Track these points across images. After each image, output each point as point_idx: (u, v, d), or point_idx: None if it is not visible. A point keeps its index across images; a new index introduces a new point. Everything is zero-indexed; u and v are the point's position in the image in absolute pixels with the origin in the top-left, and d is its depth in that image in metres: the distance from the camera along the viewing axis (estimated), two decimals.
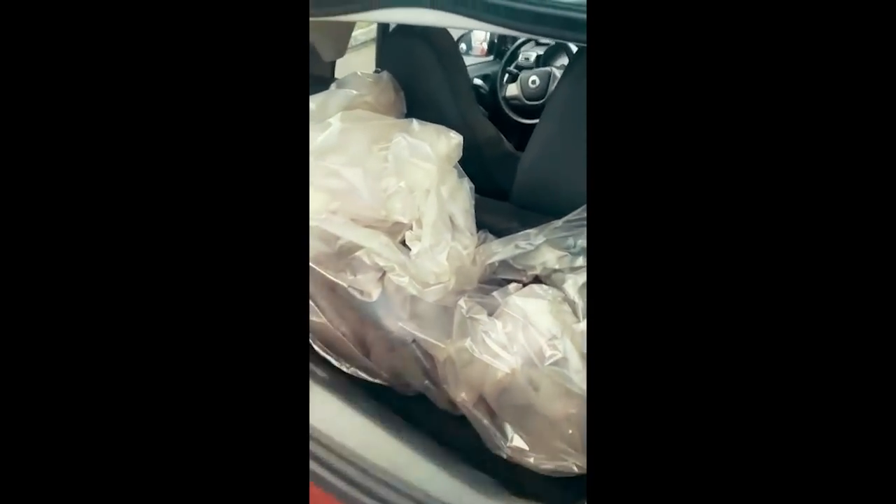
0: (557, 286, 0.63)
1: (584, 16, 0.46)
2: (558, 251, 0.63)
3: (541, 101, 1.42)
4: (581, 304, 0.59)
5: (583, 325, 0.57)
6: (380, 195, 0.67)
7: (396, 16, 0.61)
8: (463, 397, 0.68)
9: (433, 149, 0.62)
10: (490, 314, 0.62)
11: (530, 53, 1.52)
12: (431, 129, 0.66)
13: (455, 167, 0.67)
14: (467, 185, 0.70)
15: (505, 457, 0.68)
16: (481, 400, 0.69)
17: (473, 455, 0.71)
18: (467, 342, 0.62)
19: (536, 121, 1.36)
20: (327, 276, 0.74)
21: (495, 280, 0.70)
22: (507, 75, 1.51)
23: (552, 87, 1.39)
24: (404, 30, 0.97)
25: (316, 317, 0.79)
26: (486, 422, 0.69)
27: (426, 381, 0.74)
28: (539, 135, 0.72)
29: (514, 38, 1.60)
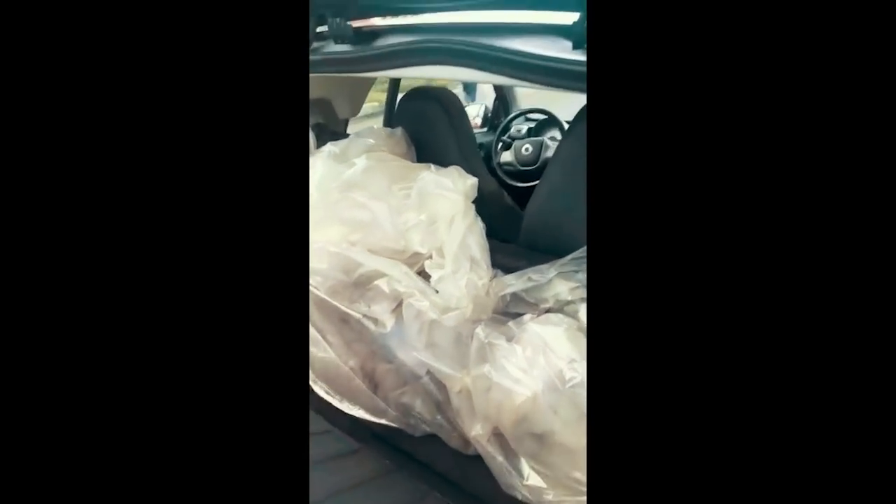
0: (571, 316, 0.66)
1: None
2: (570, 283, 0.67)
3: (534, 167, 1.56)
4: None
5: None
6: (400, 228, 0.72)
7: (423, 72, 0.70)
8: (478, 432, 0.67)
9: (454, 184, 0.68)
10: (508, 341, 0.64)
11: (521, 126, 1.71)
12: (450, 169, 0.73)
13: (471, 206, 0.72)
14: (481, 223, 0.75)
15: (520, 497, 0.65)
16: (496, 435, 0.68)
17: (487, 498, 0.67)
18: (486, 368, 0.63)
19: (529, 184, 1.48)
20: (341, 307, 0.75)
21: (508, 313, 0.72)
22: (501, 143, 1.67)
23: (544, 154, 1.54)
24: (419, 93, 1.09)
25: (323, 352, 0.78)
26: (500, 459, 0.67)
27: (438, 417, 0.72)
28: (546, 182, 0.80)
29: (507, 112, 1.79)
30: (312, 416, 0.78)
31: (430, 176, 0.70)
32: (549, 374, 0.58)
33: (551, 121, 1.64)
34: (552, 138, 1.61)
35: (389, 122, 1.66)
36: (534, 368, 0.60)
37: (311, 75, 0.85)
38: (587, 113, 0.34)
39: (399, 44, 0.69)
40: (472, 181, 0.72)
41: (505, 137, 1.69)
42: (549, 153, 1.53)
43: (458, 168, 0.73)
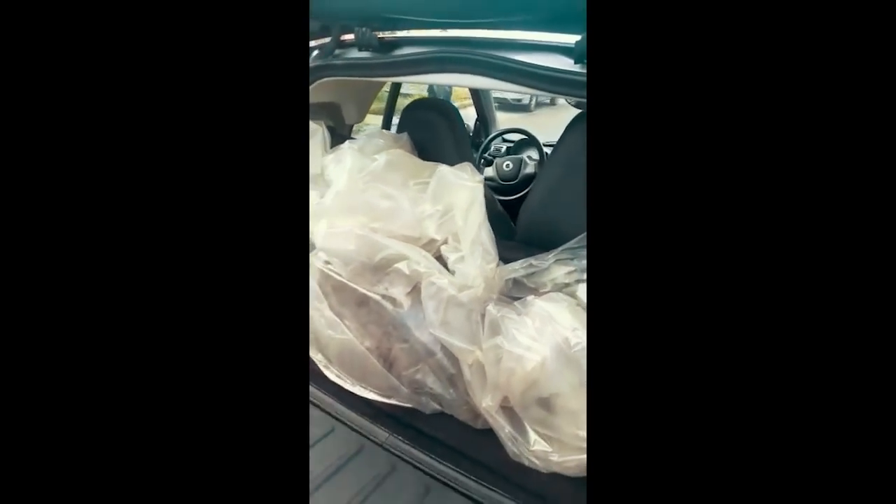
0: (570, 296, 0.75)
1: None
2: (567, 268, 0.77)
3: (514, 182, 1.68)
4: None
5: None
6: (418, 217, 0.79)
7: (442, 79, 0.79)
8: (488, 403, 0.73)
9: (470, 176, 0.77)
10: (517, 315, 0.71)
11: (500, 146, 1.85)
12: (463, 165, 0.81)
13: (484, 198, 0.81)
14: (487, 219, 0.84)
15: (527, 463, 0.72)
16: (504, 408, 0.74)
17: (496, 467, 0.73)
18: (498, 339, 0.70)
19: (510, 197, 1.59)
20: (359, 290, 0.80)
21: (511, 296, 0.80)
22: (482, 161, 1.80)
23: (523, 170, 1.67)
24: (421, 103, 1.19)
25: (340, 334, 0.82)
26: (508, 429, 0.73)
27: (450, 391, 0.77)
28: (543, 180, 0.90)
29: (487, 132, 1.94)
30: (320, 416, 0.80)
31: (447, 169, 0.78)
32: (556, 341, 0.66)
33: (529, 140, 1.79)
34: (530, 157, 1.75)
35: (387, 126, 1.75)
36: (542, 337, 0.68)
37: (324, 80, 0.92)
38: (587, 112, 0.38)
39: (420, 53, 0.79)
40: (482, 178, 0.81)
41: (486, 155, 1.83)
42: (528, 169, 1.66)
43: (470, 164, 0.82)
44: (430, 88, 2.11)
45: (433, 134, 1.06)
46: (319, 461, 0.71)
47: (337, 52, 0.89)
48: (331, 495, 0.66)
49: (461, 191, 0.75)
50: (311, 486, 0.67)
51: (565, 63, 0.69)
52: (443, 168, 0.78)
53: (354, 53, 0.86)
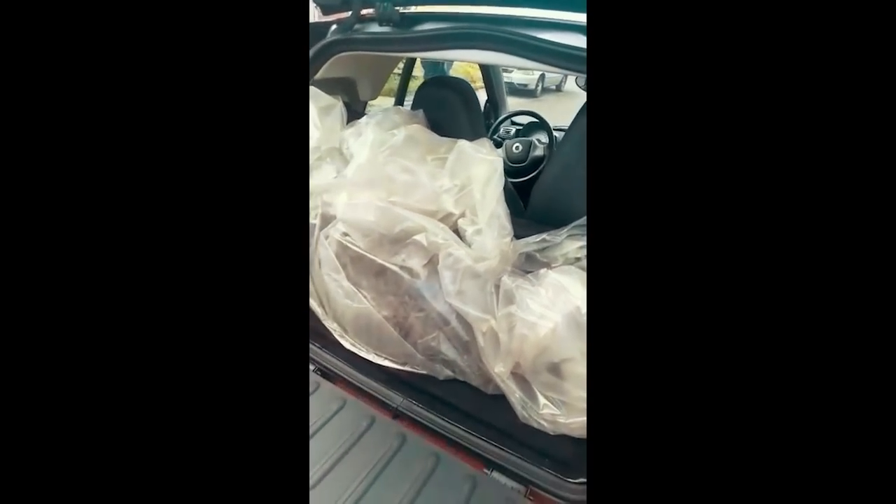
0: (582, 268, 0.78)
1: None
2: (578, 242, 0.80)
3: (523, 164, 1.70)
4: None
5: None
6: (436, 190, 0.81)
7: (455, 55, 0.80)
8: (500, 369, 0.76)
9: (489, 150, 0.79)
10: (531, 286, 0.74)
11: (510, 128, 1.86)
12: (481, 140, 0.83)
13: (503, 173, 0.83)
14: (503, 195, 0.86)
15: (535, 425, 0.76)
16: (515, 374, 0.78)
17: (506, 430, 0.77)
18: (512, 308, 0.73)
19: (519, 179, 1.61)
20: (377, 261, 0.83)
21: (523, 270, 0.83)
22: (493, 142, 1.81)
23: (532, 152, 1.69)
24: (437, 81, 1.20)
25: (358, 303, 0.85)
26: (518, 394, 0.77)
27: (464, 357, 0.81)
28: (557, 160, 0.92)
29: (497, 115, 1.94)
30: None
31: (467, 143, 0.80)
32: (568, 309, 0.70)
33: (539, 123, 1.80)
34: (539, 140, 1.77)
35: (400, 103, 1.75)
36: (554, 305, 0.71)
37: (342, 54, 0.93)
38: (587, 97, 0.36)
39: (441, 28, 0.80)
40: (500, 154, 0.84)
41: (495, 137, 1.83)
42: (538, 152, 1.67)
43: (489, 140, 0.84)
44: (430, 69, 2.10)
45: (448, 111, 1.07)
46: (331, 438, 0.72)
47: (357, 26, 0.90)
48: (343, 473, 0.67)
49: (480, 165, 0.77)
50: (325, 464, 0.68)
51: (582, 41, 0.70)
52: (462, 143, 0.80)
53: (374, 28, 0.87)
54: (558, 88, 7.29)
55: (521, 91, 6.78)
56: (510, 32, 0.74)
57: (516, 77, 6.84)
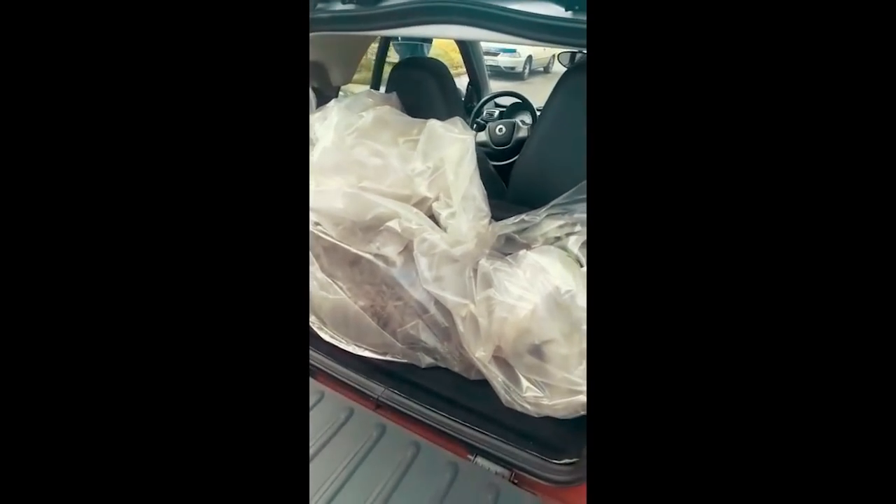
0: (561, 248, 0.76)
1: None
2: (558, 222, 0.77)
3: (507, 146, 1.67)
4: (582, 256, 0.72)
5: (586, 269, 0.70)
6: (408, 174, 0.78)
7: (426, 31, 0.76)
8: (481, 354, 0.75)
9: (461, 129, 0.76)
10: (509, 268, 0.73)
11: (493, 110, 1.82)
12: (454, 119, 0.80)
13: (475, 153, 0.80)
14: (478, 175, 0.83)
15: (519, 409, 0.75)
16: (496, 358, 0.77)
17: (490, 415, 0.76)
18: (491, 291, 0.71)
19: (502, 162, 1.58)
20: (351, 250, 0.81)
21: (503, 252, 0.81)
22: (475, 125, 1.77)
23: (516, 134, 1.66)
24: (411, 62, 1.16)
25: (334, 294, 0.83)
26: (501, 378, 0.76)
27: (445, 344, 0.79)
28: (534, 140, 0.89)
29: (479, 97, 1.90)
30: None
31: (437, 123, 0.77)
32: (547, 290, 0.68)
33: (522, 104, 1.76)
34: (523, 121, 1.73)
35: (376, 87, 1.71)
36: (533, 287, 0.69)
37: (309, 36, 0.89)
38: (587, 69, 0.35)
39: (408, 3, 0.76)
40: (472, 133, 0.81)
41: (479, 120, 1.80)
42: (521, 133, 1.64)
43: (461, 119, 0.81)
44: (406, 52, 2.04)
45: (423, 93, 1.04)
46: (309, 432, 0.71)
47: (319, 5, 0.86)
48: (321, 466, 0.66)
49: (452, 145, 0.74)
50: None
51: (557, 11, 0.67)
52: (432, 122, 0.77)
53: (338, 6, 0.83)
54: (546, 70, 7.18)
55: (509, 74, 6.68)
56: (480, 4, 0.71)
57: (503, 60, 6.74)
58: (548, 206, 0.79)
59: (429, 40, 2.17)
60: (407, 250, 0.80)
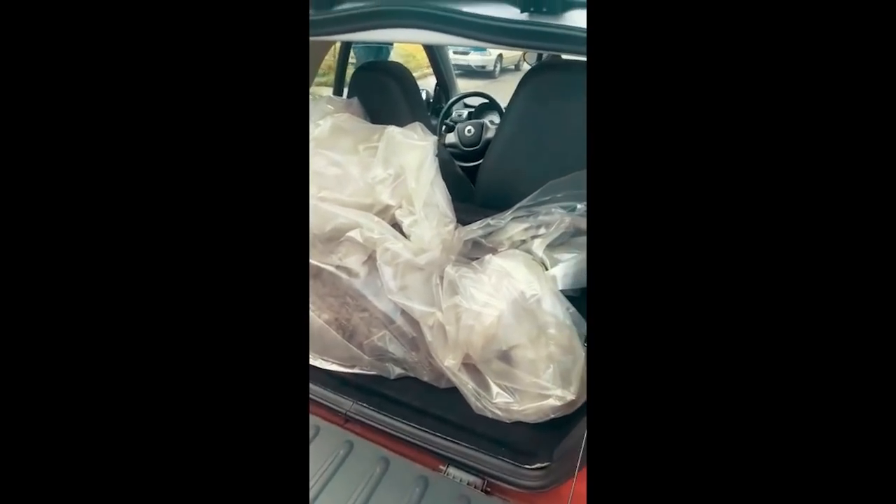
0: (526, 251, 0.75)
1: (563, 32, 0.61)
2: (523, 225, 0.77)
3: (476, 147, 1.66)
4: (547, 259, 0.72)
5: (551, 272, 0.70)
6: (369, 182, 0.77)
7: (382, 35, 0.75)
8: (450, 362, 0.74)
9: (419, 136, 0.75)
10: (475, 274, 0.72)
11: (462, 111, 1.82)
12: (413, 125, 0.79)
13: (436, 159, 0.79)
14: (442, 181, 0.82)
15: (490, 415, 0.74)
16: (466, 365, 0.76)
17: (460, 423, 0.75)
18: (457, 299, 0.70)
19: (472, 164, 1.58)
20: (313, 262, 0.78)
21: (470, 258, 0.81)
22: (444, 127, 1.76)
23: (485, 135, 1.65)
24: (373, 66, 1.13)
25: None
26: (471, 385, 0.75)
27: (413, 354, 0.78)
28: (498, 141, 0.89)
29: (448, 97, 1.89)
30: None
31: (395, 129, 0.75)
32: (513, 295, 0.67)
33: (490, 104, 1.76)
34: (492, 121, 1.73)
35: (339, 92, 1.67)
36: (498, 292, 0.68)
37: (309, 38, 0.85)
38: (587, 70, 0.34)
39: (360, 7, 0.74)
40: (434, 138, 0.79)
41: (447, 121, 1.78)
42: (490, 134, 1.64)
43: (420, 124, 0.79)
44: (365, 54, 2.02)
45: (385, 98, 1.02)
46: None
47: None
48: None
49: (411, 151, 0.73)
50: None
51: (512, 13, 0.66)
52: (391, 129, 0.76)
53: None
54: (517, 68, 7.23)
55: (480, 73, 6.71)
56: (433, 7, 0.69)
57: (473, 59, 6.75)
58: (512, 209, 0.79)
59: (389, 43, 2.15)
60: (370, 260, 0.78)
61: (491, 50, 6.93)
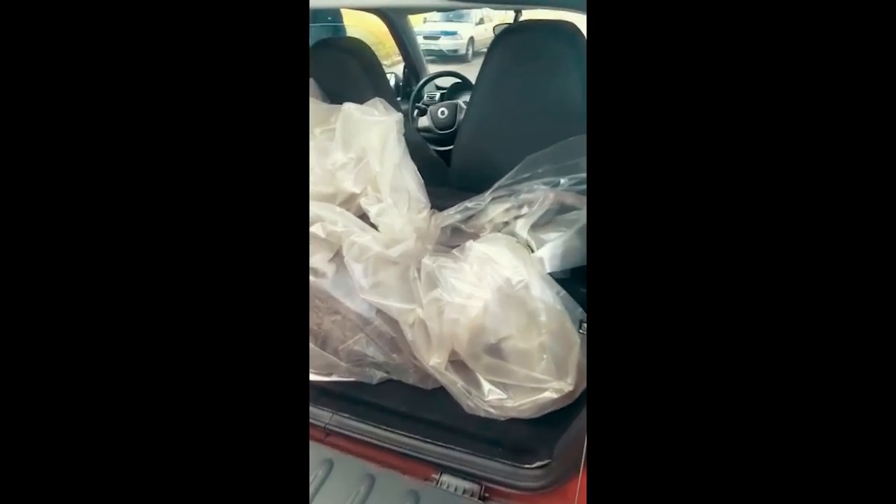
0: (509, 234, 0.69)
1: None
2: (504, 205, 0.70)
3: (451, 130, 1.58)
4: (532, 240, 0.65)
5: (537, 254, 0.63)
6: (328, 170, 0.68)
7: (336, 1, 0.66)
8: (436, 361, 0.67)
9: (380, 112, 0.67)
10: (455, 263, 0.65)
11: (434, 93, 1.72)
12: (373, 101, 0.71)
13: (402, 138, 0.71)
14: (412, 162, 0.75)
15: (483, 414, 0.68)
16: (453, 362, 0.69)
17: (452, 424, 0.69)
18: (437, 292, 0.63)
19: (448, 147, 1.50)
20: None
21: (450, 245, 0.74)
22: (416, 110, 1.66)
23: (459, 116, 1.57)
24: (328, 44, 1.04)
25: None
26: (460, 384, 0.69)
27: (394, 356, 0.71)
28: (469, 117, 0.82)
29: (418, 79, 1.79)
30: None
31: (353, 106, 0.67)
32: (498, 283, 0.61)
33: (463, 84, 1.67)
34: (465, 101, 1.65)
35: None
36: (482, 281, 0.62)
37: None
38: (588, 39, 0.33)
39: None
40: (399, 114, 0.71)
41: (419, 105, 1.69)
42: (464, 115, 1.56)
43: (382, 100, 0.71)
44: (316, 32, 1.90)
45: (345, 77, 0.93)
46: None
47: None
48: None
49: (372, 129, 0.65)
50: None
51: None
52: (348, 107, 0.68)
53: None
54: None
55: (452, 57, 6.56)
56: None
57: (444, 43, 6.61)
58: (491, 189, 0.72)
59: (339, 19, 2.03)
60: (338, 257, 0.70)
61: (462, 33, 6.79)
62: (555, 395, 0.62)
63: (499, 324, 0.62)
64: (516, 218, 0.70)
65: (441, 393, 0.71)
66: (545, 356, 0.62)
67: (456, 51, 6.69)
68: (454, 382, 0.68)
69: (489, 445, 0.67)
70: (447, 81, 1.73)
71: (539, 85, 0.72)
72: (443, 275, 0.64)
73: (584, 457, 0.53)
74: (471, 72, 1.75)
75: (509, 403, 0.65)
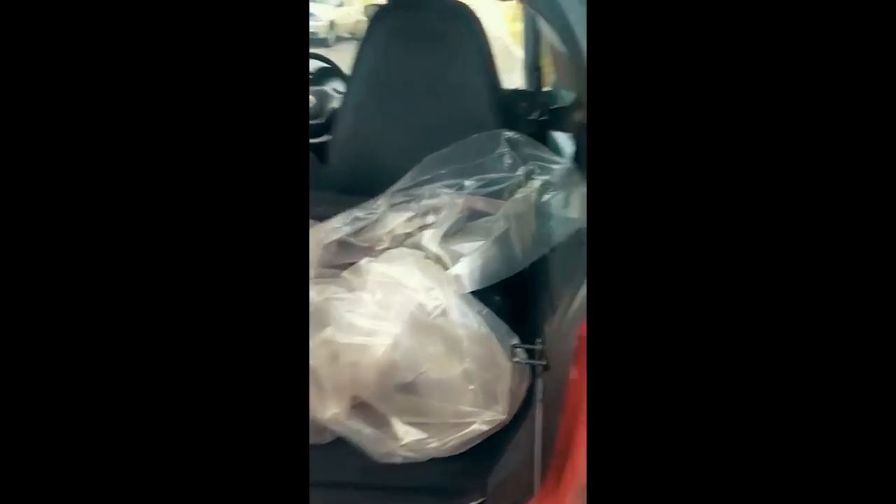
0: (415, 247, 0.59)
1: None
2: (405, 214, 0.60)
3: (319, 120, 1.41)
4: (445, 254, 0.56)
5: (453, 271, 0.54)
6: None
7: None
8: (333, 411, 0.54)
9: None
10: (350, 292, 0.52)
11: None
12: None
13: None
14: None
15: (400, 460, 0.58)
16: (356, 407, 0.57)
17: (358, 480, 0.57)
18: (328, 332, 0.50)
19: (319, 140, 1.33)
20: None
21: (338, 265, 0.60)
22: None
23: (328, 105, 1.40)
24: None
25: None
26: (368, 430, 0.57)
27: None
28: (349, 107, 0.69)
29: None
30: None
31: None
32: (409, 311, 0.50)
33: (331, 70, 1.50)
34: (335, 89, 1.48)
35: None
36: (389, 311, 0.50)
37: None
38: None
39: None
40: None
41: None
42: (335, 104, 1.40)
43: None
44: None
45: None
46: None
47: None
48: None
49: None
50: None
51: None
52: None
53: None
54: (354, 37, 6.77)
55: (312, 41, 6.06)
56: None
57: None
58: (386, 193, 0.61)
59: None
60: None
61: (320, 14, 6.29)
62: (485, 427, 0.55)
63: (413, 359, 0.52)
64: (421, 228, 0.60)
65: (339, 444, 0.58)
66: (471, 386, 0.54)
67: (315, 34, 6.18)
68: (359, 431, 0.56)
69: (410, 494, 0.57)
70: (311, 66, 1.52)
71: (434, 71, 0.63)
72: (335, 308, 0.50)
73: (537, 478, 0.48)
74: (336, 59, 1.57)
75: (433, 444, 0.56)
